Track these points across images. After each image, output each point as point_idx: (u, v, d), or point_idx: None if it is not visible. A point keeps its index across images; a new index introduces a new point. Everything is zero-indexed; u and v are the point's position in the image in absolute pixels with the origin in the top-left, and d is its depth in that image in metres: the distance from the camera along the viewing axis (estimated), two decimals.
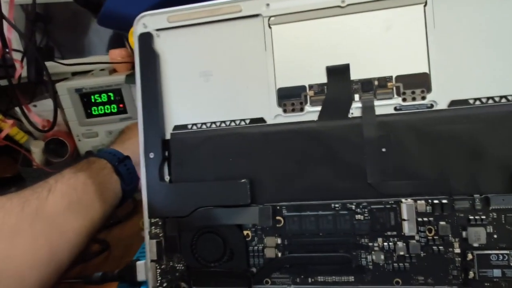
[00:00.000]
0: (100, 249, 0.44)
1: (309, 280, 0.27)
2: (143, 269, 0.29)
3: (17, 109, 0.60)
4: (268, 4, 0.27)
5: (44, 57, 0.54)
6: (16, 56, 0.57)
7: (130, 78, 0.57)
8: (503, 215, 0.24)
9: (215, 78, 0.29)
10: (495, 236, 0.24)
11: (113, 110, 0.59)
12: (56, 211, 0.29)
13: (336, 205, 0.26)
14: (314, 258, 0.26)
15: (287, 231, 0.27)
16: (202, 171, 0.28)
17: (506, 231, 0.24)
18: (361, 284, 0.26)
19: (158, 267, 0.29)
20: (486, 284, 0.24)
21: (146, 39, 0.29)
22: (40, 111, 0.60)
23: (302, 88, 0.27)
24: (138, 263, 0.30)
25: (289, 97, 0.27)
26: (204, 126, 0.29)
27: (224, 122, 0.29)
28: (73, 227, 0.30)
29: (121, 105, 0.59)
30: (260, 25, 0.28)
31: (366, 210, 0.26)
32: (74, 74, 0.64)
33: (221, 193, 0.27)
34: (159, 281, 0.29)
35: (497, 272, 0.24)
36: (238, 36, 0.28)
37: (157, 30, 0.29)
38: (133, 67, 0.61)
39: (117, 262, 0.40)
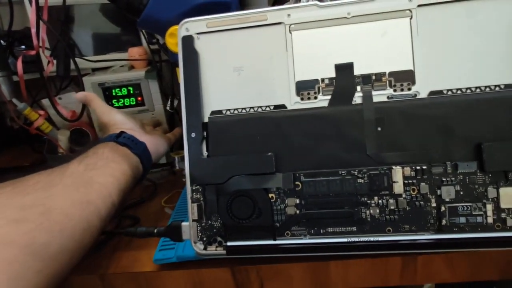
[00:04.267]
0: (132, 223, 0.50)
1: (321, 231, 0.34)
2: (188, 230, 0.36)
3: (43, 101, 0.66)
4: (289, 15, 0.35)
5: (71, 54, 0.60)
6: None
7: (149, 73, 0.63)
8: (467, 177, 0.32)
9: (246, 73, 0.36)
10: (461, 192, 0.32)
11: (131, 103, 0.65)
12: (78, 171, 0.34)
13: (343, 172, 0.34)
14: (325, 213, 0.34)
15: (304, 193, 0.34)
16: (234, 147, 0.35)
17: (469, 189, 0.32)
18: (362, 232, 0.34)
19: (198, 225, 0.36)
20: (454, 229, 0.32)
21: (188, 40, 0.36)
22: (65, 103, 0.65)
23: (316, 81, 0.35)
24: (184, 224, 0.36)
25: (306, 88, 0.35)
26: (236, 112, 0.36)
27: (252, 108, 0.36)
28: (98, 181, 0.35)
29: (139, 98, 0.65)
30: (282, 31, 0.35)
31: (365, 175, 0.33)
32: (94, 70, 0.69)
33: (251, 164, 0.35)
34: (199, 236, 0.36)
35: (462, 219, 0.32)
36: (264, 40, 0.35)
37: (198, 33, 0.36)
38: (149, 64, 0.68)
39: None
